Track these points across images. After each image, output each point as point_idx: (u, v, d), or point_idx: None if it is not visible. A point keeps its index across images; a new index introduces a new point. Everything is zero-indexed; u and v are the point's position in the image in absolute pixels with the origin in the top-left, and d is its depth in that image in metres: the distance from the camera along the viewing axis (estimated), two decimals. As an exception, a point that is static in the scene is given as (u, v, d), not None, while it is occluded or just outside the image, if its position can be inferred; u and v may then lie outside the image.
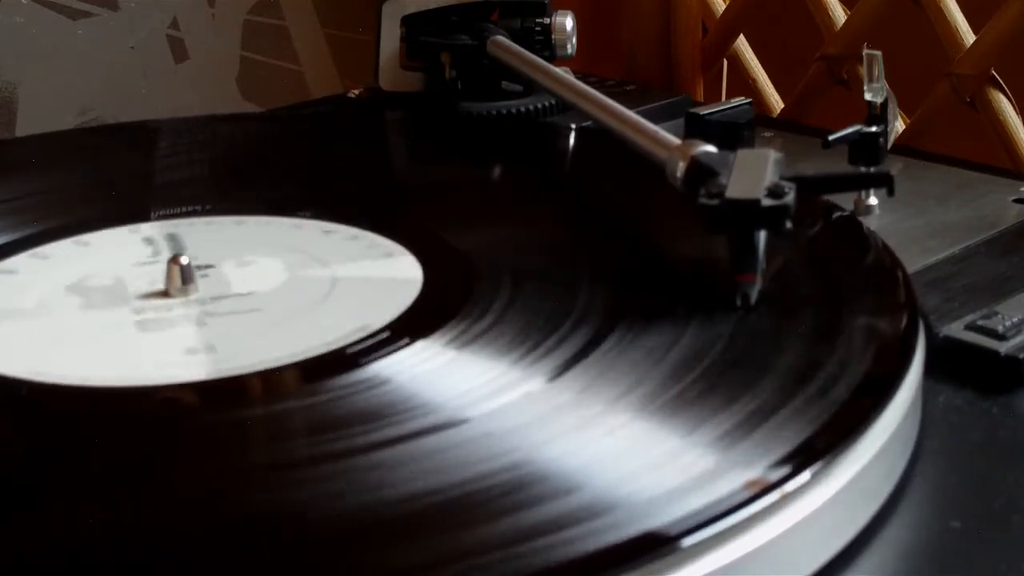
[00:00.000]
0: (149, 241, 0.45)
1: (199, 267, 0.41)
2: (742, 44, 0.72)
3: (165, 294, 0.40)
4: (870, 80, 0.48)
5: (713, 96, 0.73)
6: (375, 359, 0.35)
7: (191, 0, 0.83)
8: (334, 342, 0.36)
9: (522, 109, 0.59)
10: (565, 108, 0.58)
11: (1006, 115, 0.59)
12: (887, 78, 0.48)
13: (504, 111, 0.59)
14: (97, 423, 0.33)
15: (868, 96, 0.48)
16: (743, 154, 0.38)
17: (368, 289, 0.40)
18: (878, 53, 0.48)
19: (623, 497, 0.28)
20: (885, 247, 0.41)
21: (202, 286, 0.40)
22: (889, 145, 0.49)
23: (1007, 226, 0.48)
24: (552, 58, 0.61)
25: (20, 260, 0.44)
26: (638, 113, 0.47)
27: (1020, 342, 0.37)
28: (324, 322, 0.37)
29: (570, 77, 0.54)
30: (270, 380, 0.34)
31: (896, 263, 0.39)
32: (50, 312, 0.40)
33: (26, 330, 0.39)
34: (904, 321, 0.35)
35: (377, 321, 0.37)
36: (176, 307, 0.39)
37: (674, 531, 0.26)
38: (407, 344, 0.35)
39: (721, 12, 0.72)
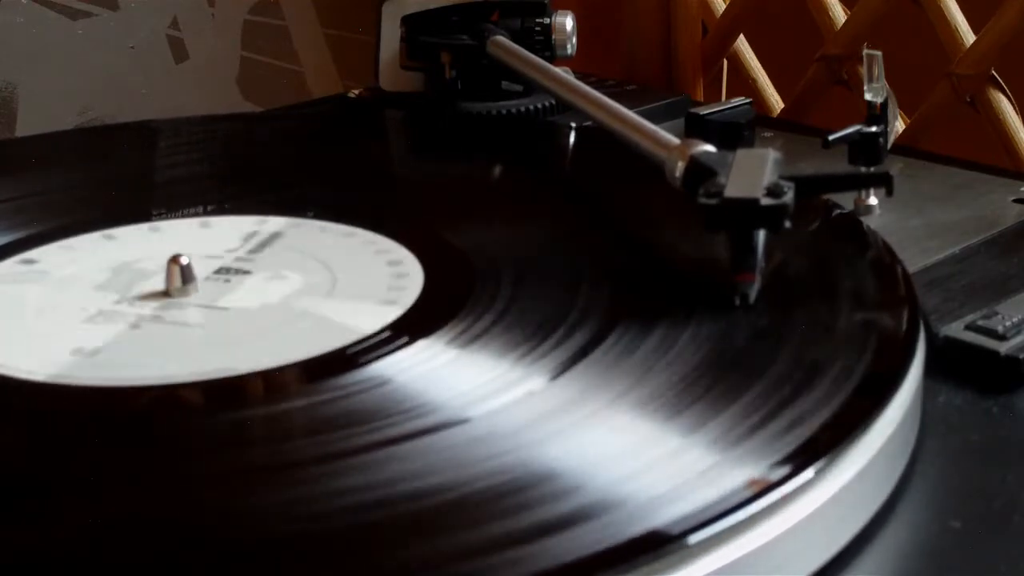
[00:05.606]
0: (249, 236, 0.44)
1: (236, 271, 0.41)
2: (742, 44, 0.72)
3: (165, 293, 0.39)
4: (870, 80, 0.48)
5: (713, 96, 0.73)
6: (375, 359, 0.35)
7: (191, 0, 0.83)
8: (185, 376, 0.34)
9: (522, 109, 0.59)
10: (565, 108, 0.58)
11: (1006, 115, 0.59)
12: (887, 78, 0.48)
13: (504, 111, 0.59)
14: None
15: (868, 96, 0.48)
16: (742, 154, 0.38)
17: (311, 330, 0.37)
18: (878, 53, 0.48)
19: (624, 496, 0.28)
20: (885, 246, 0.41)
21: (204, 291, 0.40)
22: (889, 145, 0.49)
23: (1007, 226, 0.48)
24: (552, 58, 0.61)
25: (50, 249, 0.44)
26: (638, 113, 0.47)
27: (1020, 342, 0.37)
28: (221, 355, 0.35)
29: (570, 77, 0.54)
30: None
31: (896, 262, 0.39)
32: (63, 287, 0.40)
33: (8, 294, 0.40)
34: (904, 321, 0.35)
35: (245, 366, 0.34)
36: (145, 307, 0.39)
37: (675, 530, 0.26)
38: (407, 344, 0.35)
39: (721, 12, 0.72)
